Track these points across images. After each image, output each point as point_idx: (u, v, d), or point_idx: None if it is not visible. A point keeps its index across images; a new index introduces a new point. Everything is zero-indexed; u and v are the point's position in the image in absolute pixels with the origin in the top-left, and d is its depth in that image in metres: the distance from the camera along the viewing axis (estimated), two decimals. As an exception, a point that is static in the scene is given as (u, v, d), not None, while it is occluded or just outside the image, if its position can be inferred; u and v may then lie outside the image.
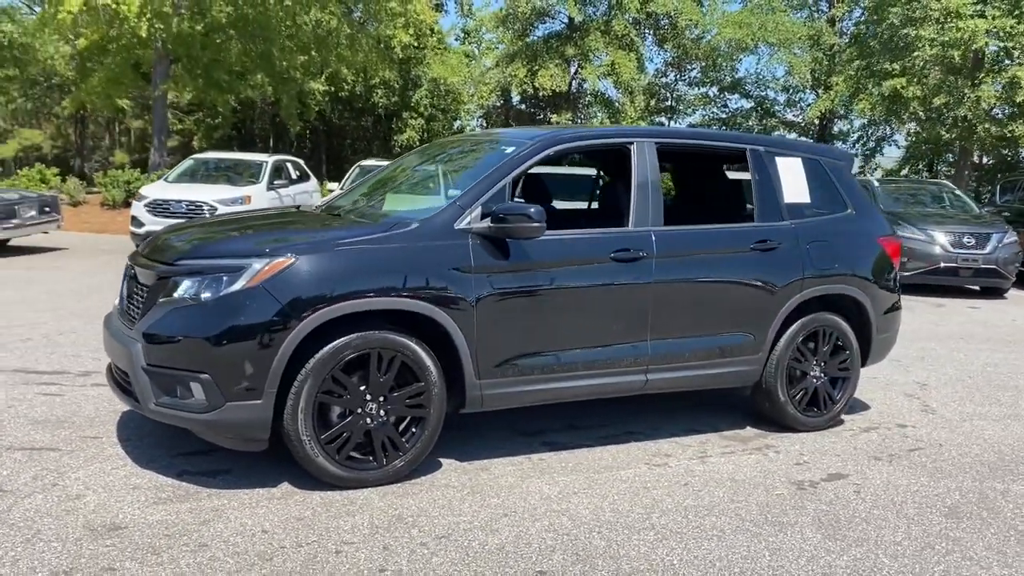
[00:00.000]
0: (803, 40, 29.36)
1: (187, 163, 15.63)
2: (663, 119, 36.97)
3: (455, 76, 31.37)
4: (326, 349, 3.88)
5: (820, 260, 5.22)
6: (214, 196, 13.19)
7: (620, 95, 31.38)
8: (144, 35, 18.66)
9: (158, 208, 13.11)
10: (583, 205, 7.07)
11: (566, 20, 30.92)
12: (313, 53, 23.19)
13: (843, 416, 5.70)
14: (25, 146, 41.90)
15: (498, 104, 34.55)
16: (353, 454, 4.03)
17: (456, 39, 37.39)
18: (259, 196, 13.93)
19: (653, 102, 36.47)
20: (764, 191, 5.23)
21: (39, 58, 25.54)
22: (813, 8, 32.00)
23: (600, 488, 4.23)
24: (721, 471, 4.57)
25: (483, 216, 4.25)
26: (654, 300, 4.69)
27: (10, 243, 13.59)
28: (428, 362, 4.12)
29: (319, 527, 3.61)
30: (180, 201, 13.14)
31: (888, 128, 29.04)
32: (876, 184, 14.80)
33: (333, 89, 28.04)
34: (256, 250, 3.95)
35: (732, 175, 6.79)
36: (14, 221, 12.97)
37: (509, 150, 4.63)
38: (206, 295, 3.83)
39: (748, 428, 5.37)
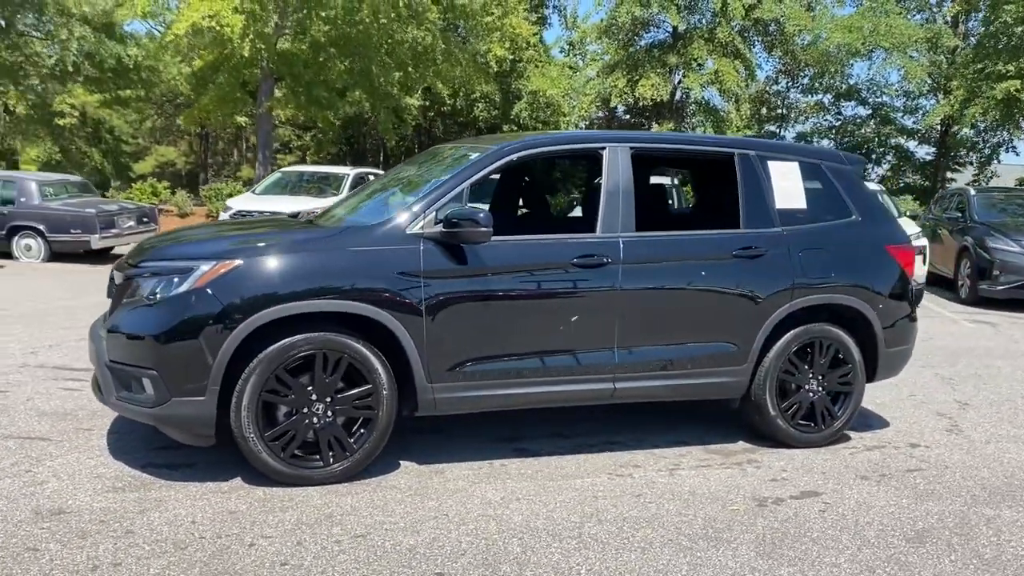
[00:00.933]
0: (920, 43, 27.91)
1: (275, 176, 16.33)
2: (772, 128, 35.93)
3: (555, 88, 31.46)
4: (270, 349, 4.02)
5: (814, 268, 4.99)
6: (294, 207, 13.70)
7: (725, 104, 30.71)
8: (247, 55, 19.61)
9: (241, 219, 13.74)
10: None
11: (670, 30, 30.55)
12: (410, 69, 23.77)
13: (851, 432, 5.42)
14: (161, 162, 44.79)
15: (600, 115, 34.50)
16: (298, 452, 4.15)
17: (560, 51, 37.58)
18: (339, 207, 14.36)
19: (764, 110, 35.52)
20: (752, 196, 5.05)
21: (163, 79, 27.27)
22: (935, 9, 30.41)
23: (547, 496, 4.18)
24: (684, 484, 4.43)
25: (437, 221, 4.29)
26: (621, 307, 4.60)
27: (112, 251, 14.59)
28: (376, 364, 4.19)
29: (246, 521, 3.73)
30: (262, 212, 13.72)
31: (1006, 134, 27.18)
32: (972, 193, 13.91)
33: (428, 103, 28.64)
34: (206, 253, 4.13)
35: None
36: (113, 230, 13.95)
37: (473, 156, 4.66)
38: (160, 295, 4.03)
39: (740, 443, 5.18)
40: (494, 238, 4.31)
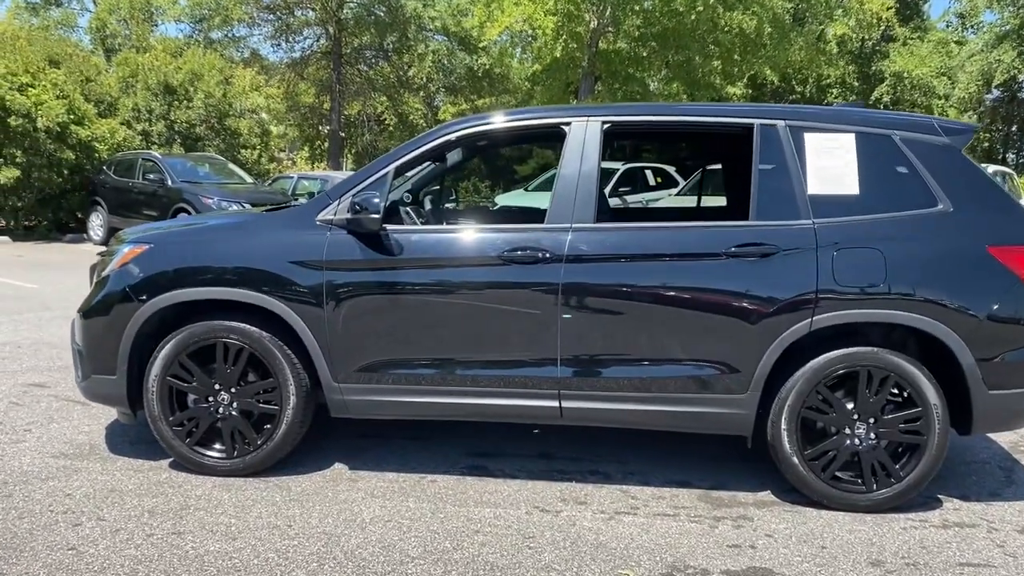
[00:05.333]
0: None
1: (551, 173, 16.50)
2: None
3: (924, 68, 27.72)
4: (173, 335, 4.03)
5: (854, 274, 3.73)
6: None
7: None
8: (558, 55, 20.12)
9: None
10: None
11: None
12: (736, 56, 22.56)
13: (942, 495, 4.00)
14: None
15: (991, 96, 29.66)
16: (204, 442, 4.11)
17: (946, 25, 33.04)
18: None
19: None
20: (769, 179, 3.91)
21: (509, 88, 29.05)
22: None
23: (425, 522, 3.65)
24: (604, 534, 3.58)
25: (350, 208, 3.97)
26: (565, 312, 3.86)
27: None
28: (279, 357, 4.00)
29: (100, 501, 3.76)
30: (521, 208, 13.97)
31: None
32: None
33: (752, 92, 26.88)
34: (133, 237, 4.27)
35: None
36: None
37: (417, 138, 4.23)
38: (99, 277, 4.25)
39: (765, 494, 4.07)
40: (395, 227, 3.89)
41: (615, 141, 4.66)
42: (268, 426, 4.08)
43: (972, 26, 32.31)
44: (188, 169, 15.44)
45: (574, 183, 3.96)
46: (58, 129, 15.39)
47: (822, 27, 22.89)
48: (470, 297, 3.91)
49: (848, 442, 3.84)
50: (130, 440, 4.58)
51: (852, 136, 3.93)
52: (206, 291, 3.99)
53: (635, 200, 14.62)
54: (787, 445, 3.85)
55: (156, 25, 29.76)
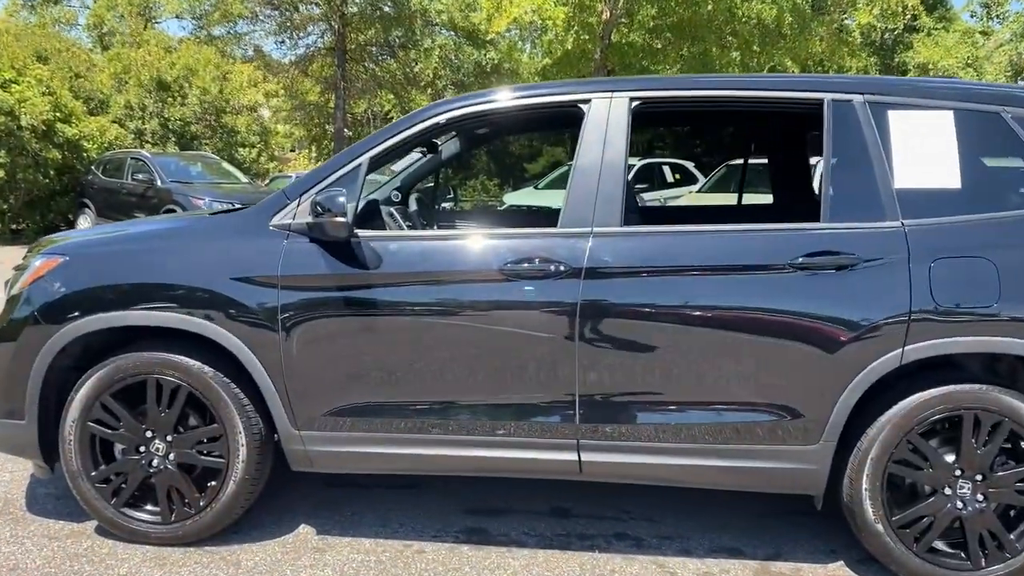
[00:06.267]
0: None
1: (564, 169, 15.69)
2: None
3: (950, 59, 26.71)
4: (94, 371, 3.22)
5: (958, 290, 2.89)
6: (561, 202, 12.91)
7: None
8: (569, 48, 19.25)
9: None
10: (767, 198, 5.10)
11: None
12: (755, 48, 21.62)
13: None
14: (551, 161, 47.24)
15: (1021, 87, 28.62)
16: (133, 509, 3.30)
17: (972, 16, 32.04)
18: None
19: None
20: (846, 169, 3.07)
21: (519, 83, 28.22)
22: None
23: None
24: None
25: (311, 210, 3.14)
26: (584, 340, 3.02)
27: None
28: (225, 398, 3.18)
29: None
30: (531, 207, 13.16)
31: None
32: None
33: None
34: (47, 248, 3.45)
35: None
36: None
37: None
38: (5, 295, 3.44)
39: (836, 566, 3.22)
40: (371, 233, 3.07)
41: (643, 125, 3.81)
42: (213, 483, 3.26)
43: (998, 16, 31.30)
44: (179, 168, 14.66)
45: (595, 175, 3.13)
46: (44, 127, 14.63)
47: (844, 16, 21.92)
48: (463, 322, 3.09)
49: (948, 505, 2.98)
50: (56, 494, 3.76)
51: (950, 114, 3.07)
52: (128, 315, 3.17)
53: (651, 198, 13.78)
54: (869, 509, 3.00)
55: (157, 22, 29.10)
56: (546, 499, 3.76)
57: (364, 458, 3.22)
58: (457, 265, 3.11)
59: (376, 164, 3.30)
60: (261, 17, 27.40)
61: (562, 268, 3.02)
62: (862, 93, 3.12)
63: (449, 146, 4.50)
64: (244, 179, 15.75)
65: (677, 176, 14.71)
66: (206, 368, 3.17)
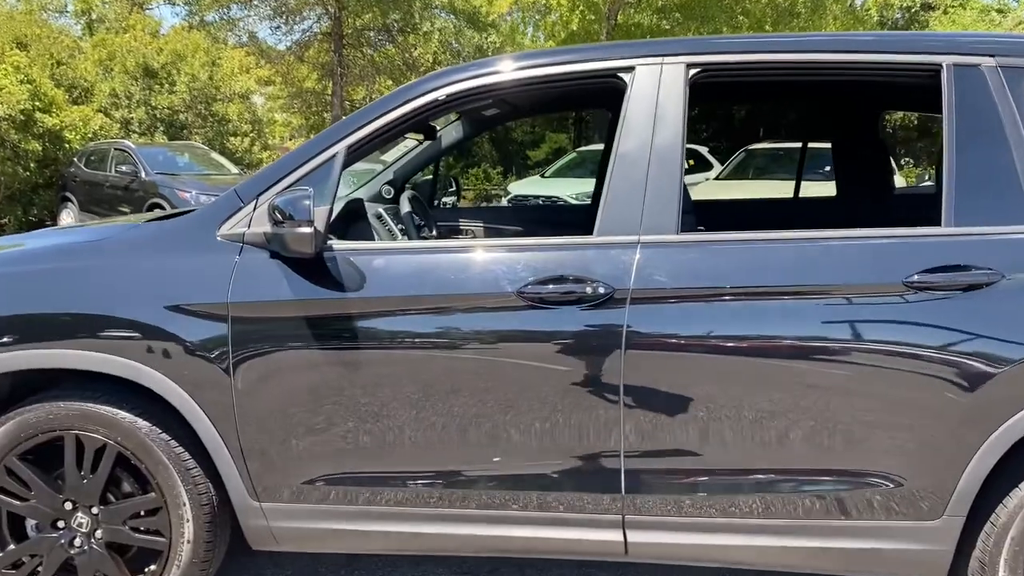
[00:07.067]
0: None
1: (571, 156, 14.94)
2: None
3: (966, 38, 25.90)
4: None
5: None
6: (569, 191, 12.18)
7: None
8: (574, 28, 18.50)
9: (517, 203, 12.60)
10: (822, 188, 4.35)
11: None
12: (768, 28, 20.89)
13: None
14: (554, 148, 46.62)
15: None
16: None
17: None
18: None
19: None
20: (975, 156, 2.33)
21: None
22: None
23: None
24: None
25: (269, 216, 2.40)
26: (631, 386, 2.29)
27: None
28: (164, 460, 2.45)
29: None
30: (538, 196, 12.46)
31: None
32: None
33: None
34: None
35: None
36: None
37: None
38: None
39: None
40: (349, 245, 2.34)
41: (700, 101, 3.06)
42: (152, 568, 2.54)
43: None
44: (166, 159, 13.86)
45: (642, 167, 2.38)
46: (22, 117, 13.84)
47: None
48: (469, 365, 2.36)
49: (1114, 599, 2.26)
50: None
51: (1112, 80, 2.33)
52: (32, 356, 2.43)
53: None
54: (1009, 605, 2.28)
55: (149, 8, 28.26)
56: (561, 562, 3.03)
57: (347, 536, 2.50)
58: (462, 287, 2.37)
59: (357, 154, 2.56)
60: (255, 1, 26.58)
61: (600, 290, 2.28)
62: (993, 55, 2.37)
63: (451, 131, 3.76)
64: (235, 170, 14.98)
65: (691, 162, 13.94)
66: (139, 422, 2.45)
